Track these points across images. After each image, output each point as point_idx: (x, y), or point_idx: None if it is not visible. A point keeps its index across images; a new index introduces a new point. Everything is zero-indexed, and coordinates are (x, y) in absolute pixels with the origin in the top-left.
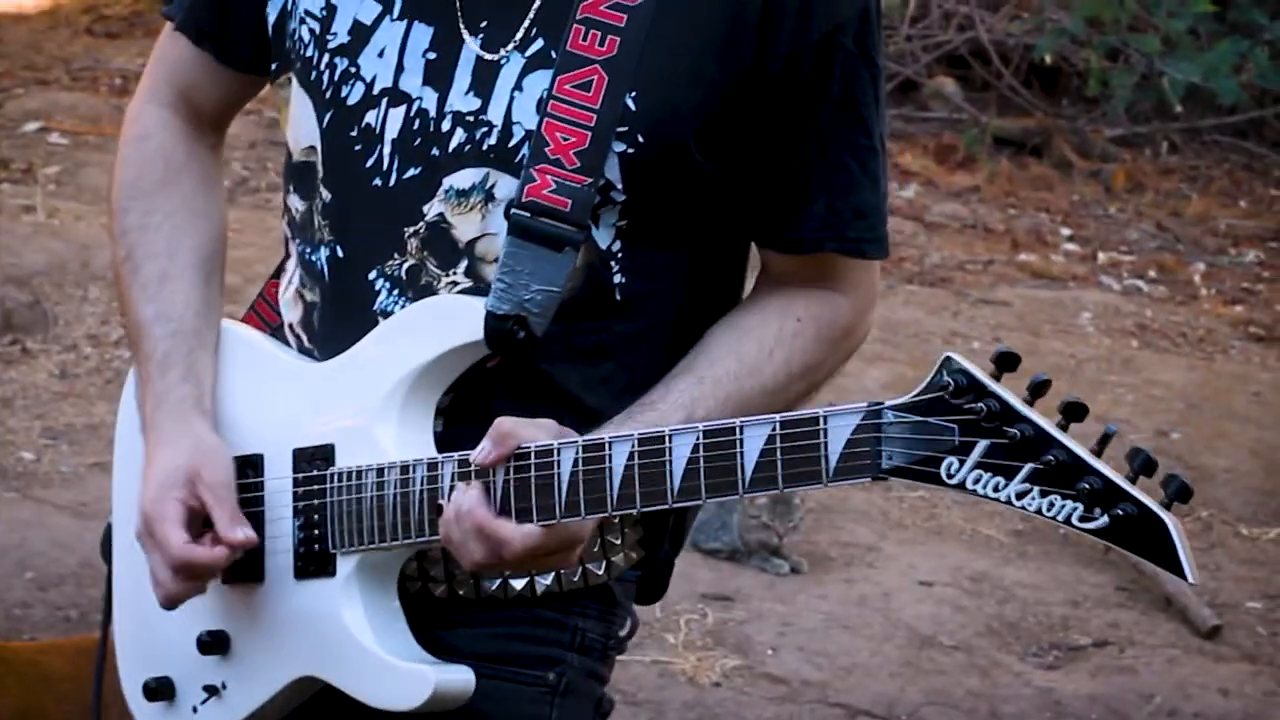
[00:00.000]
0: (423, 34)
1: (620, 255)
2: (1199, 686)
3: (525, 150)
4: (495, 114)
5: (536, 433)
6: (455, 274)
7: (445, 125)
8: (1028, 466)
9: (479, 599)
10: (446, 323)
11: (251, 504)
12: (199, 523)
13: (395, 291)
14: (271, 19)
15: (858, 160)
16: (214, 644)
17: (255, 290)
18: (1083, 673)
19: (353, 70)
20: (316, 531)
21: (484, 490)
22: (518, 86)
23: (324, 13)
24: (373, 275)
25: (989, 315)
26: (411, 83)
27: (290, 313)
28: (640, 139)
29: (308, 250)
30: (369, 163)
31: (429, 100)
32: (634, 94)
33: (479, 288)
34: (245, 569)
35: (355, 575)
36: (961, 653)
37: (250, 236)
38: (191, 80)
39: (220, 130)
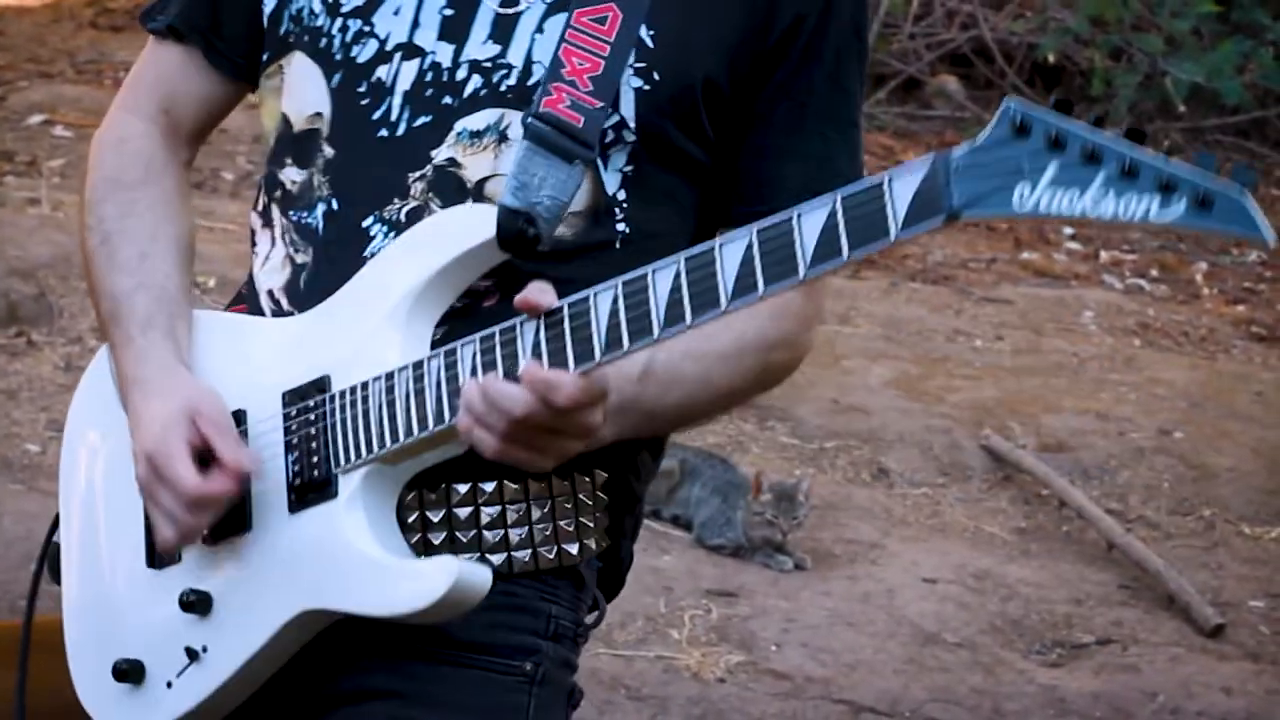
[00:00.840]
0: None
1: (624, 205)
2: (1202, 685)
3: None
4: (515, 56)
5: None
6: None
7: (460, 74)
8: (1100, 174)
9: None
10: (457, 228)
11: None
12: (200, 461)
13: (391, 235)
14: (269, 9)
15: (838, 132)
16: (197, 603)
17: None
18: (1086, 671)
19: (366, 29)
20: (315, 459)
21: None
22: (539, 29)
23: None
24: (369, 221)
25: (992, 313)
26: (426, 37)
27: (272, 279)
28: (656, 76)
29: (302, 215)
30: (376, 115)
31: (443, 54)
32: (652, 33)
33: None
34: (230, 522)
35: (359, 492)
36: (965, 650)
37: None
38: (173, 91)
39: (195, 146)
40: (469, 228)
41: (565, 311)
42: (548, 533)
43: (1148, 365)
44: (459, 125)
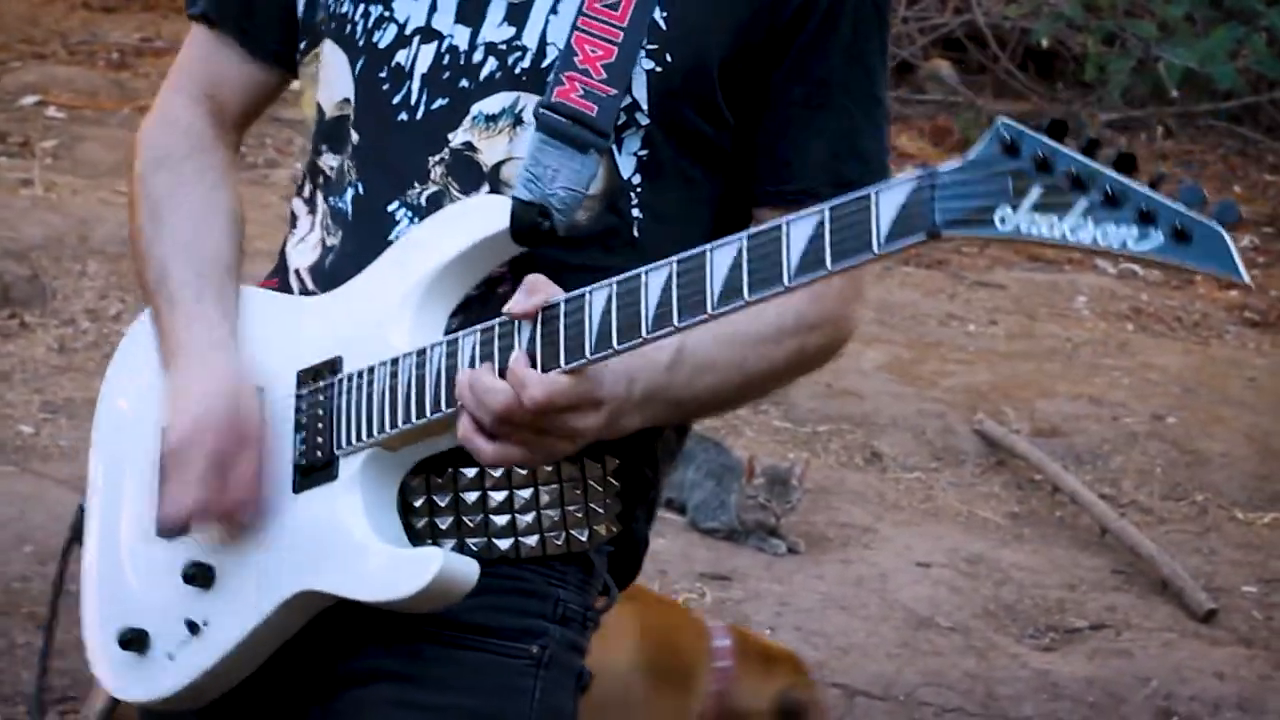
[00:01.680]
0: None
1: (639, 189)
2: (1195, 670)
3: (556, 63)
4: (530, 38)
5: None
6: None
7: (477, 57)
8: (1082, 202)
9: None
10: (472, 218)
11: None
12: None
13: (414, 219)
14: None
15: (860, 107)
16: (198, 575)
17: (252, 264)
18: (1079, 655)
19: (386, 15)
20: (320, 439)
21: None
22: (553, 10)
23: None
24: (393, 206)
25: (985, 298)
26: (444, 21)
27: (302, 259)
28: (669, 58)
29: (337, 200)
30: (397, 98)
31: (460, 37)
32: (665, 15)
33: None
34: None
35: (358, 475)
36: (958, 634)
37: (249, 212)
38: (217, 76)
39: (241, 131)
40: (483, 219)
41: (561, 309)
42: (556, 518)
43: (1141, 350)
44: (475, 108)
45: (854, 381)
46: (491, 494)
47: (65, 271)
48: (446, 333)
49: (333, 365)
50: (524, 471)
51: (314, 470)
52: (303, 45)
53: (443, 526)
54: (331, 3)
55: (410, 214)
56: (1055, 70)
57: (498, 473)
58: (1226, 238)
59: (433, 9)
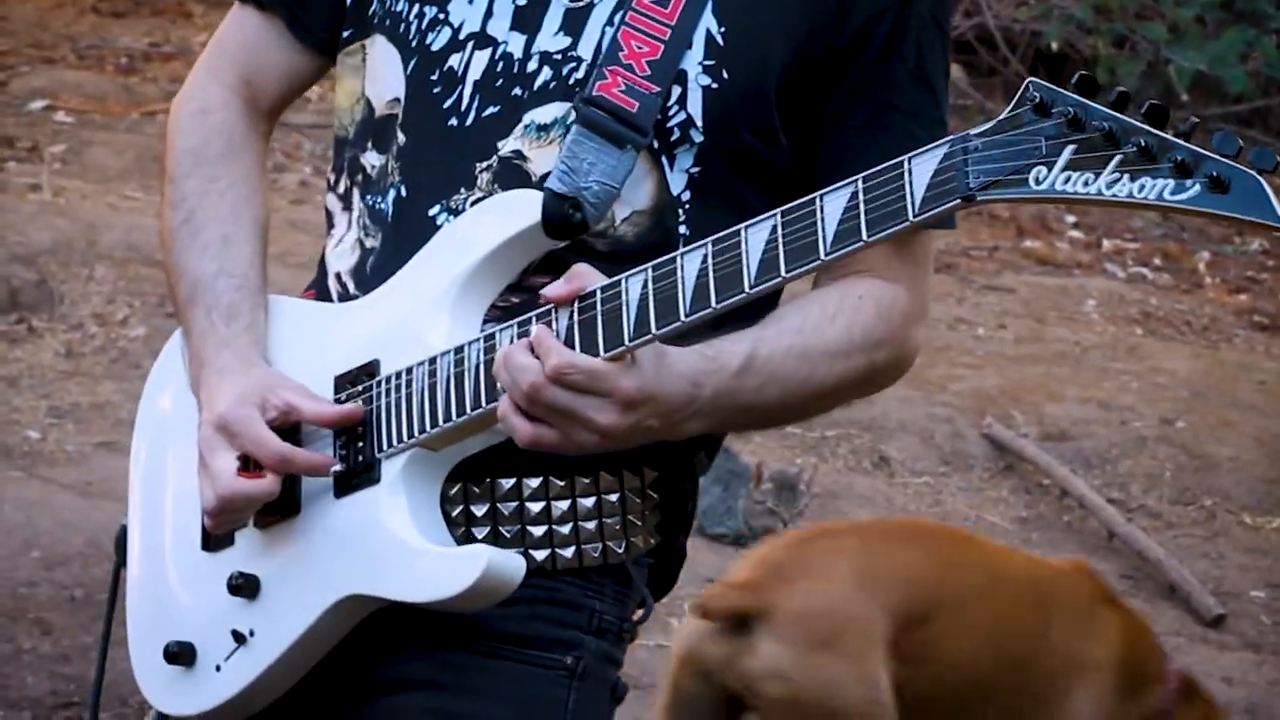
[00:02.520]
0: None
1: (688, 206)
2: (1203, 675)
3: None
4: (585, 49)
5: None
6: None
7: (531, 66)
8: (1116, 156)
9: None
10: (503, 213)
11: (289, 440)
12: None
13: None
14: None
15: (926, 129)
16: (244, 585)
17: None
18: None
19: (440, 17)
20: (360, 444)
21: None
22: (609, 22)
23: None
24: (435, 210)
25: (994, 302)
26: (499, 27)
27: (341, 262)
28: (725, 74)
29: (376, 200)
30: (447, 103)
31: (515, 44)
32: (722, 29)
33: None
34: (280, 506)
35: (400, 477)
36: None
37: None
38: (255, 60)
39: (273, 119)
40: (514, 213)
41: (598, 296)
42: (593, 530)
43: (1150, 354)
44: (527, 117)
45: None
46: (529, 505)
47: (73, 276)
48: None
49: (370, 369)
50: (561, 483)
51: (356, 474)
52: (346, 34)
53: (479, 536)
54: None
55: (452, 219)
56: (1065, 73)
57: (535, 483)
58: (1264, 184)
59: (488, 14)
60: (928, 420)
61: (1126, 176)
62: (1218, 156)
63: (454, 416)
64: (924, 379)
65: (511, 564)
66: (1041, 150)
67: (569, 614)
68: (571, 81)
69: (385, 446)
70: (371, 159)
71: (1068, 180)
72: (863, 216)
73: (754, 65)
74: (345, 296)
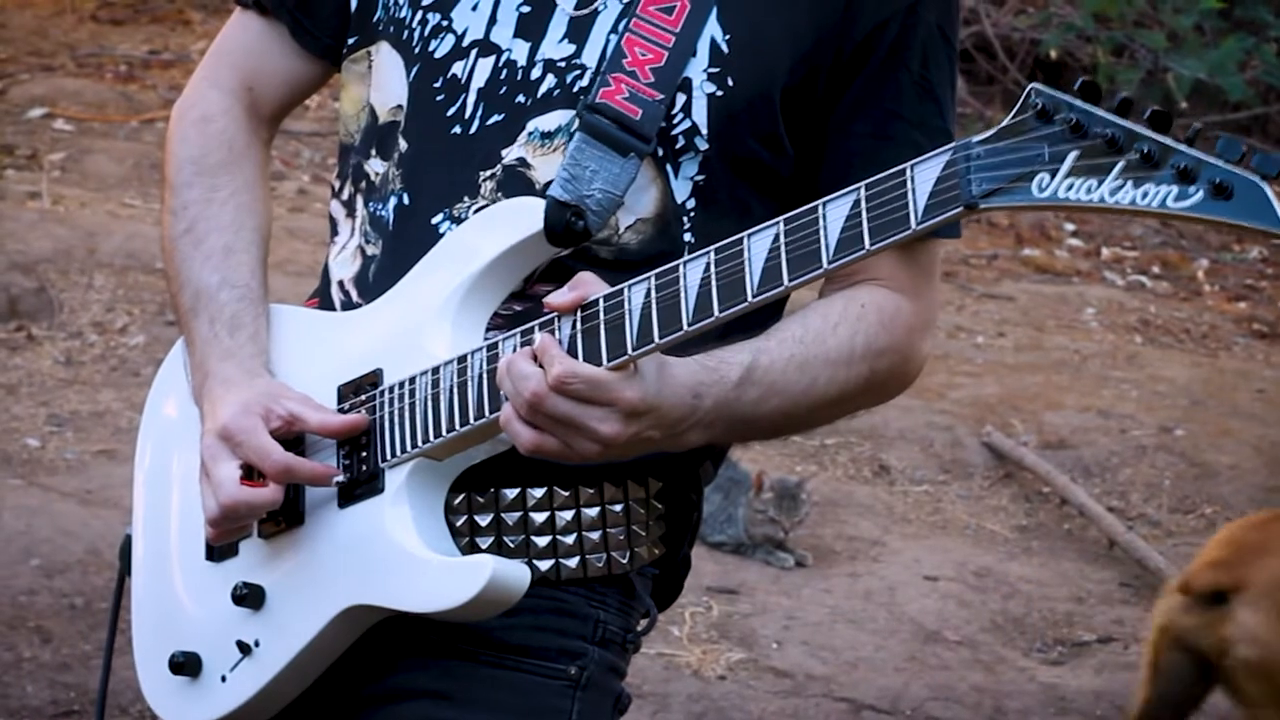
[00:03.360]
0: None
1: (693, 214)
2: None
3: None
4: (590, 57)
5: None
6: None
7: (535, 73)
8: (1119, 163)
9: None
10: (506, 221)
11: (293, 450)
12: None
13: None
14: None
15: (930, 139)
16: (249, 596)
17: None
18: (1087, 669)
19: (444, 24)
20: (364, 454)
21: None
22: (613, 30)
23: None
24: (438, 219)
25: (993, 310)
26: (503, 34)
27: (343, 270)
28: (730, 81)
29: (378, 207)
30: (451, 111)
31: (519, 52)
32: (727, 37)
33: None
34: (284, 516)
35: (404, 487)
36: (966, 648)
37: None
38: (257, 67)
39: (274, 126)
40: (517, 221)
41: (600, 305)
42: (597, 540)
43: (1149, 362)
44: (531, 125)
45: None
46: (533, 515)
47: (72, 284)
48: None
49: (373, 378)
50: (566, 493)
51: (360, 484)
52: (351, 42)
53: (483, 546)
54: (392, 6)
55: (455, 226)
56: (1064, 81)
57: (539, 493)
58: (1268, 190)
59: (492, 21)
60: (927, 428)
61: (1130, 183)
62: (1221, 163)
63: (457, 426)
64: (923, 387)
65: (516, 573)
66: (1044, 157)
67: (573, 624)
68: (576, 89)
69: (389, 456)
70: (375, 166)
71: (1071, 187)
72: (865, 224)
73: (759, 73)
74: (348, 304)
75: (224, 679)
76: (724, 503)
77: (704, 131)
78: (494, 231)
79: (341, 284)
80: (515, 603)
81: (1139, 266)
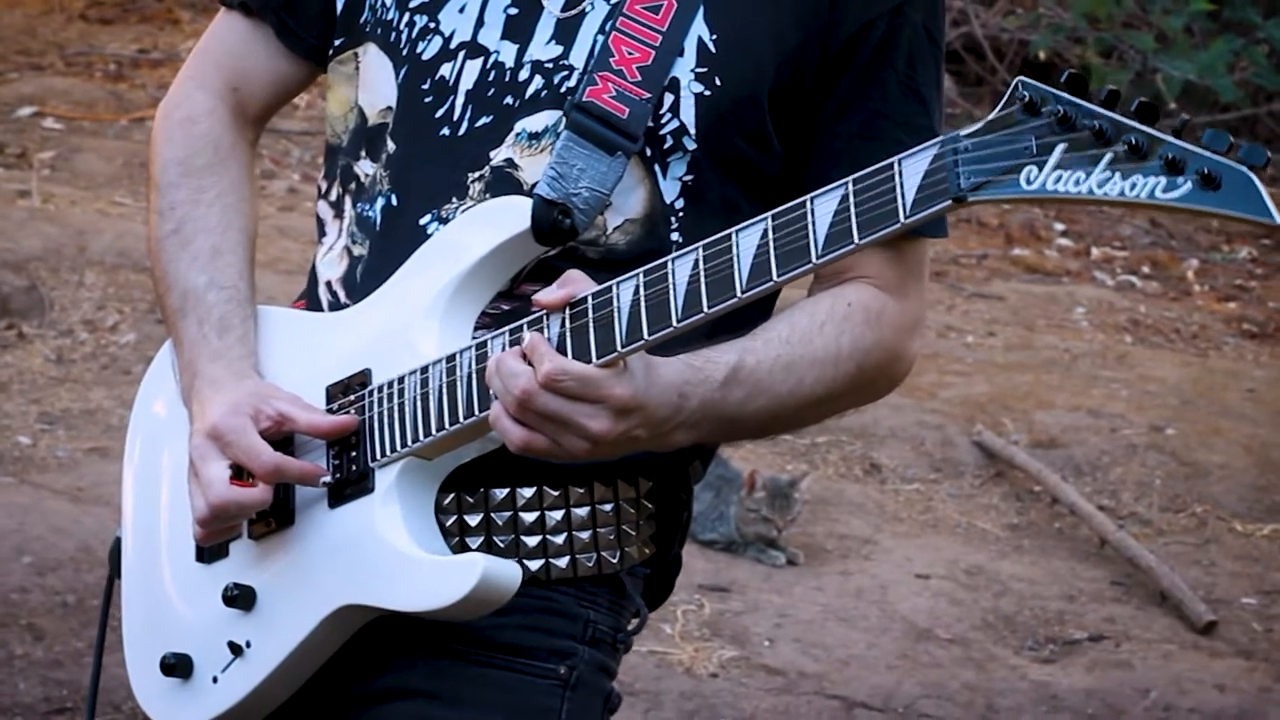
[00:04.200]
0: None
1: (681, 214)
2: (1194, 682)
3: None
4: (577, 58)
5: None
6: None
7: (523, 75)
8: (1107, 154)
9: None
10: (493, 220)
11: (283, 450)
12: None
13: None
14: None
15: (916, 139)
16: (240, 597)
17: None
18: (1079, 667)
19: (431, 26)
20: (353, 453)
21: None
22: (601, 30)
23: None
24: (426, 219)
25: (983, 309)
26: (490, 36)
27: (331, 270)
28: (718, 81)
29: (364, 208)
30: (439, 113)
31: (507, 54)
32: (714, 37)
33: None
34: (274, 516)
35: (394, 486)
36: (958, 646)
37: None
38: (243, 67)
39: (260, 126)
40: (504, 219)
41: (589, 302)
42: (587, 540)
43: (1139, 362)
44: (518, 126)
45: None
46: (523, 515)
47: (63, 283)
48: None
49: (362, 378)
50: (555, 493)
51: (349, 484)
52: (338, 43)
53: (473, 546)
54: (379, 8)
55: (442, 226)
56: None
57: (529, 493)
58: (1255, 180)
59: (479, 24)
60: (918, 427)
61: (1118, 175)
62: (1208, 153)
63: (447, 425)
64: (914, 386)
65: (507, 571)
66: (1032, 149)
67: (563, 624)
68: (563, 90)
69: (378, 456)
70: (365, 167)
71: (1059, 179)
72: (854, 219)
73: (747, 72)
74: (336, 305)
75: (215, 680)
76: (715, 501)
77: (692, 131)
78: (481, 230)
79: (329, 284)
80: (506, 601)
81: (1129, 266)
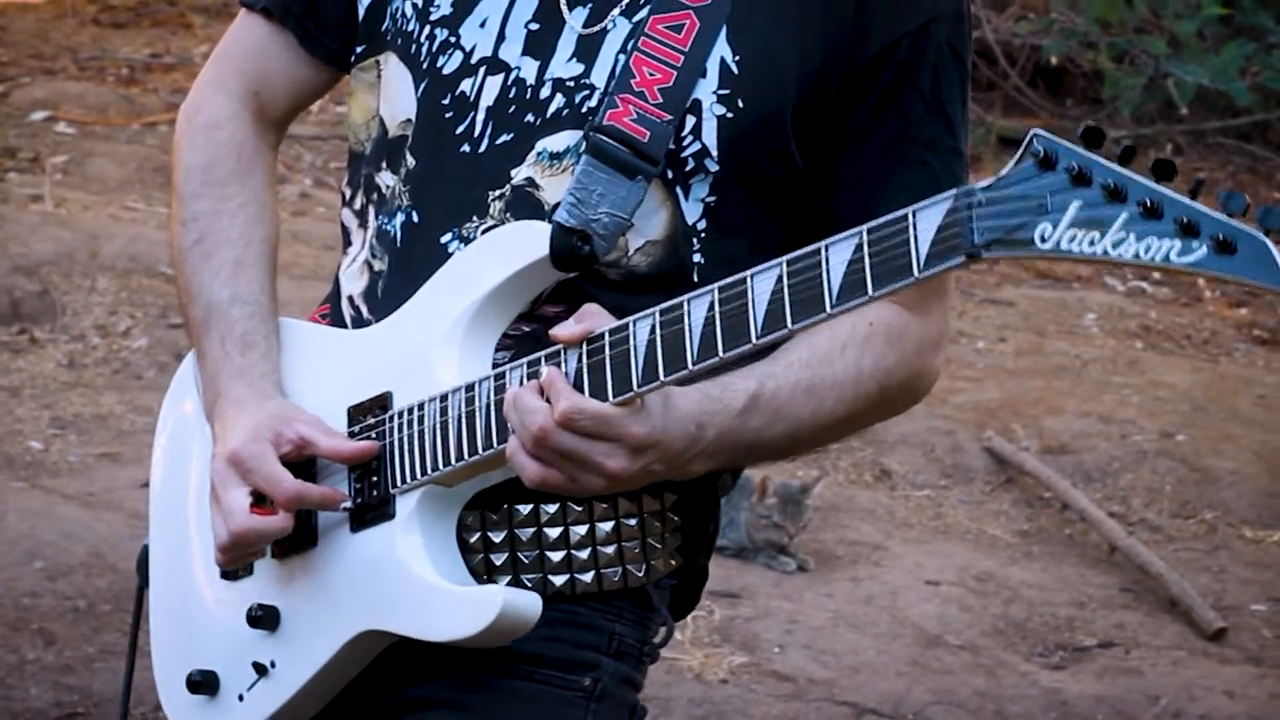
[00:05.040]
0: (526, 5)
1: (703, 235)
2: (1204, 688)
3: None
4: (599, 77)
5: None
6: None
7: (544, 92)
8: (1122, 215)
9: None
10: (511, 246)
11: (304, 470)
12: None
13: None
14: (366, 2)
15: (940, 160)
16: (264, 618)
17: None
18: (1088, 674)
19: (452, 40)
20: (374, 478)
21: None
22: (623, 50)
23: None
24: (446, 237)
25: (994, 315)
26: (511, 52)
27: (353, 284)
28: (740, 104)
29: (384, 222)
30: (460, 129)
31: (528, 70)
32: (737, 58)
33: None
34: (297, 537)
35: (415, 513)
36: (968, 652)
37: None
38: (264, 71)
39: (282, 130)
40: (523, 246)
41: (605, 339)
42: (612, 554)
43: (1150, 368)
44: (540, 145)
45: None
46: (547, 530)
47: (75, 287)
48: (493, 363)
49: (382, 401)
50: (579, 508)
51: (370, 509)
52: (360, 50)
53: (498, 563)
54: (399, 19)
55: (463, 245)
56: (1064, 86)
57: (553, 509)
58: (1271, 247)
59: (500, 39)
60: (929, 433)
61: (1133, 235)
62: (1224, 217)
63: (466, 456)
64: None
65: (527, 603)
66: (1046, 206)
67: (588, 636)
68: (584, 110)
69: (399, 483)
70: (386, 179)
71: (1073, 239)
72: (868, 270)
73: (770, 93)
74: (358, 320)
75: (241, 698)
76: (726, 507)
77: (714, 153)
78: (499, 256)
79: (351, 299)
80: (528, 630)
81: (1140, 272)
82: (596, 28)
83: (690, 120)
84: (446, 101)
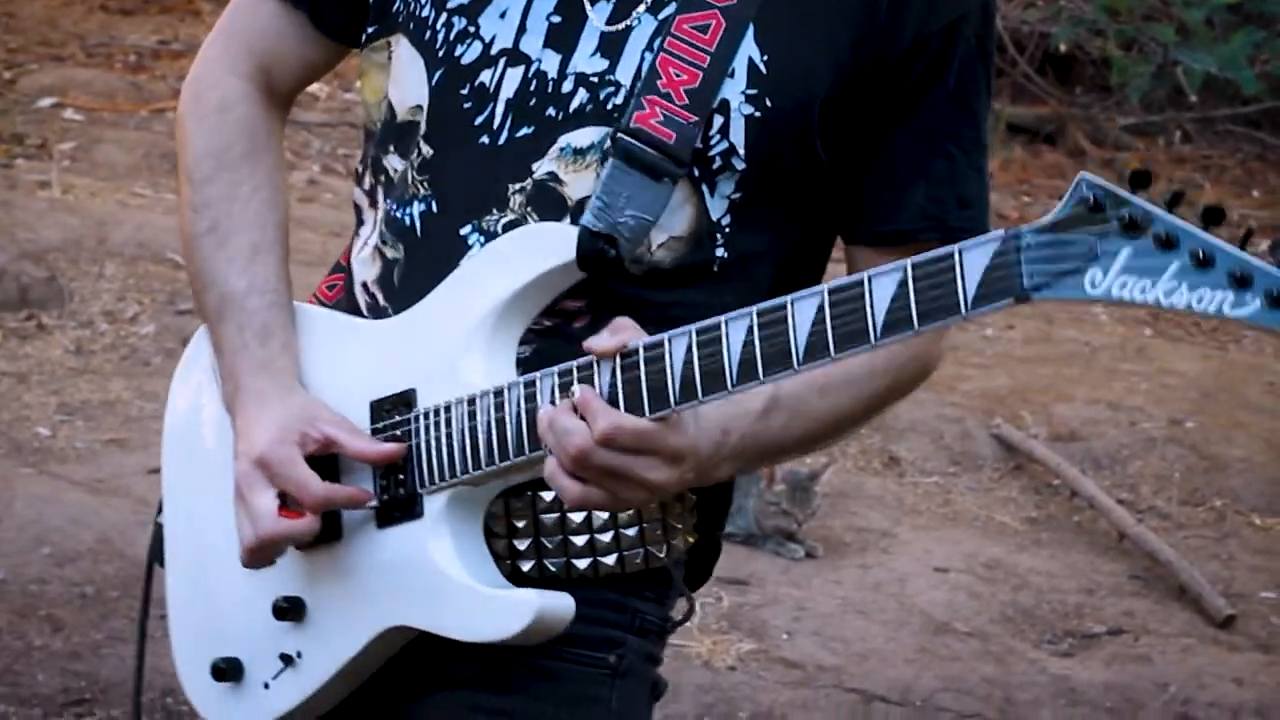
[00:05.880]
0: None
1: (727, 230)
2: (1213, 676)
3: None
4: (624, 74)
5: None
6: None
7: (566, 86)
8: (1174, 264)
9: (543, 578)
10: (538, 247)
11: (327, 464)
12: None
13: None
14: None
15: (964, 152)
16: (290, 609)
17: None
18: (1097, 661)
19: (471, 30)
20: (400, 476)
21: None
22: (648, 47)
23: None
24: (466, 230)
25: None
26: (532, 44)
27: (366, 271)
28: (768, 103)
29: (396, 207)
30: (478, 120)
31: (549, 62)
32: (765, 58)
33: None
34: (322, 531)
35: (444, 513)
36: (976, 639)
37: None
38: (274, 49)
39: (288, 106)
40: (549, 248)
41: (640, 355)
42: (634, 536)
43: (1159, 355)
44: (562, 140)
45: None
46: (569, 515)
47: (83, 274)
48: (518, 361)
49: (406, 398)
50: None
51: (396, 507)
52: (371, 30)
53: (521, 548)
54: (412, 2)
55: (484, 239)
56: (1073, 74)
57: None
58: None
59: (521, 30)
60: (937, 420)
61: (1185, 285)
62: (1276, 270)
63: (496, 461)
64: (933, 379)
65: (560, 605)
66: (1096, 253)
67: (612, 614)
68: (609, 107)
69: (427, 483)
70: (394, 163)
71: (1124, 286)
72: (913, 306)
73: (798, 92)
74: (374, 306)
75: (267, 686)
76: (734, 494)
77: (741, 152)
78: (526, 256)
79: (366, 286)
80: (561, 632)
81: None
82: (621, 24)
83: (718, 120)
84: (465, 92)
